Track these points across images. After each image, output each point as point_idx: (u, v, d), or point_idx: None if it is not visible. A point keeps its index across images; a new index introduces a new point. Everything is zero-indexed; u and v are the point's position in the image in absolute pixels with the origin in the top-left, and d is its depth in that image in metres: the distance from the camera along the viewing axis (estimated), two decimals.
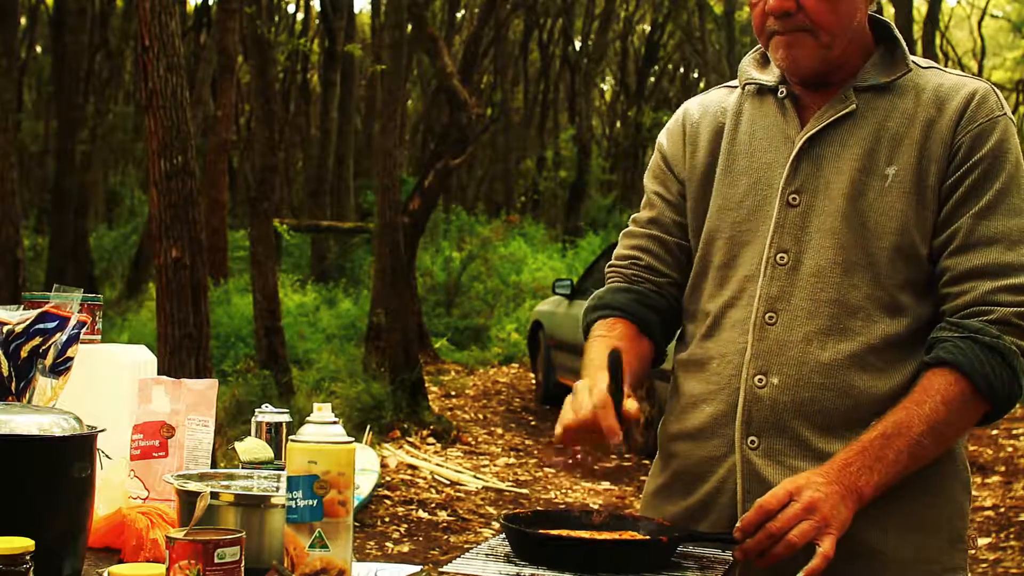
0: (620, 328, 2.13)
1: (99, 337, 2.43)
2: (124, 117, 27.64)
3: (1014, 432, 10.43)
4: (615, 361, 1.88)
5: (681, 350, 2.18)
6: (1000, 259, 1.93)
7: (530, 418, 12.13)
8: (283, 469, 1.86)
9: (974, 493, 8.10)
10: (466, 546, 6.87)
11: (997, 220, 1.94)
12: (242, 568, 1.60)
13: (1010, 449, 9.88)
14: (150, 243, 11.74)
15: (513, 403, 13.07)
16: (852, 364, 1.96)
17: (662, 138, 2.25)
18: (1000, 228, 1.94)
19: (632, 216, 2.26)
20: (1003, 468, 9.18)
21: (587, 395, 1.88)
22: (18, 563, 1.49)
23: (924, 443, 1.89)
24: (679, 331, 2.22)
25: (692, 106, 2.23)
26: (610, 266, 2.26)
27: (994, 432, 10.40)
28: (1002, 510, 7.90)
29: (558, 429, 1.91)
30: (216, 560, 1.57)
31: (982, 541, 7.14)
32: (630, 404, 1.86)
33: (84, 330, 2.12)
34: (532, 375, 13.91)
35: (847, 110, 2.01)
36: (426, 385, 11.65)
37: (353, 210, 23.61)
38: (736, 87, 2.19)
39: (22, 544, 1.50)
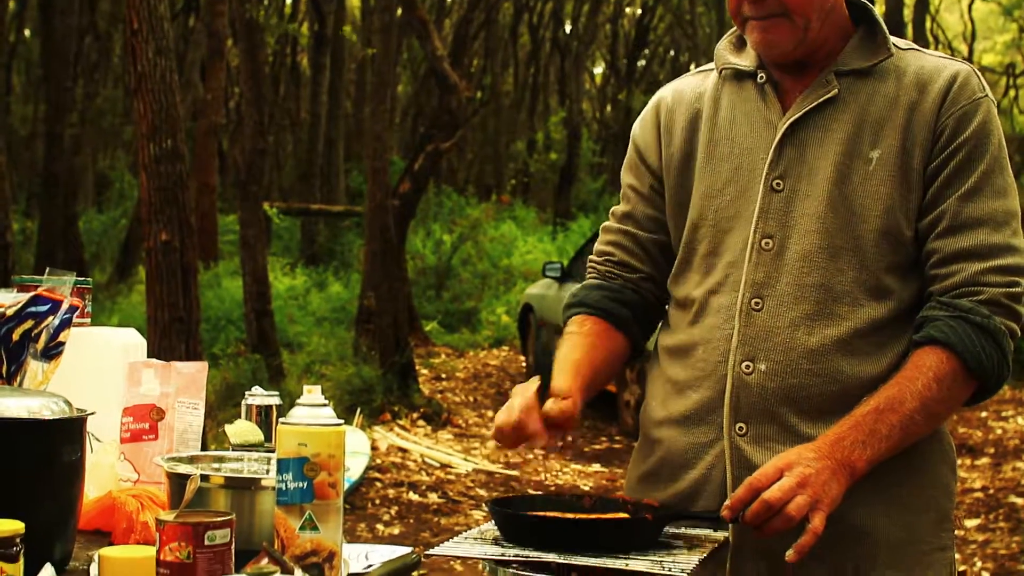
0: (589, 325, 2.17)
1: (89, 320, 2.43)
2: (113, 100, 27.46)
3: (1003, 414, 10.46)
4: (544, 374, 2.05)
5: (665, 336, 2.19)
6: (987, 240, 1.93)
7: None
8: (273, 451, 1.86)
9: (963, 475, 8.17)
10: (456, 528, 6.89)
11: (983, 202, 1.95)
12: (232, 550, 1.61)
13: (999, 431, 9.92)
14: (140, 227, 11.70)
15: (503, 386, 13.08)
16: (839, 349, 1.96)
17: (636, 129, 2.24)
18: (986, 210, 1.94)
19: (611, 209, 2.28)
20: (992, 450, 9.21)
21: (517, 400, 1.96)
22: (8, 546, 1.50)
23: (916, 419, 1.89)
24: (665, 317, 2.22)
25: (666, 93, 2.22)
26: (589, 261, 2.29)
27: (983, 414, 10.43)
28: (991, 491, 7.93)
29: (493, 432, 2.00)
30: (206, 542, 1.57)
31: (971, 523, 7.17)
32: (549, 405, 1.96)
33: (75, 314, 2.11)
34: (522, 358, 13.92)
35: (829, 95, 2.01)
36: (416, 368, 11.66)
37: (343, 193, 23.54)
38: (711, 71, 2.17)
39: (12, 527, 1.51)
